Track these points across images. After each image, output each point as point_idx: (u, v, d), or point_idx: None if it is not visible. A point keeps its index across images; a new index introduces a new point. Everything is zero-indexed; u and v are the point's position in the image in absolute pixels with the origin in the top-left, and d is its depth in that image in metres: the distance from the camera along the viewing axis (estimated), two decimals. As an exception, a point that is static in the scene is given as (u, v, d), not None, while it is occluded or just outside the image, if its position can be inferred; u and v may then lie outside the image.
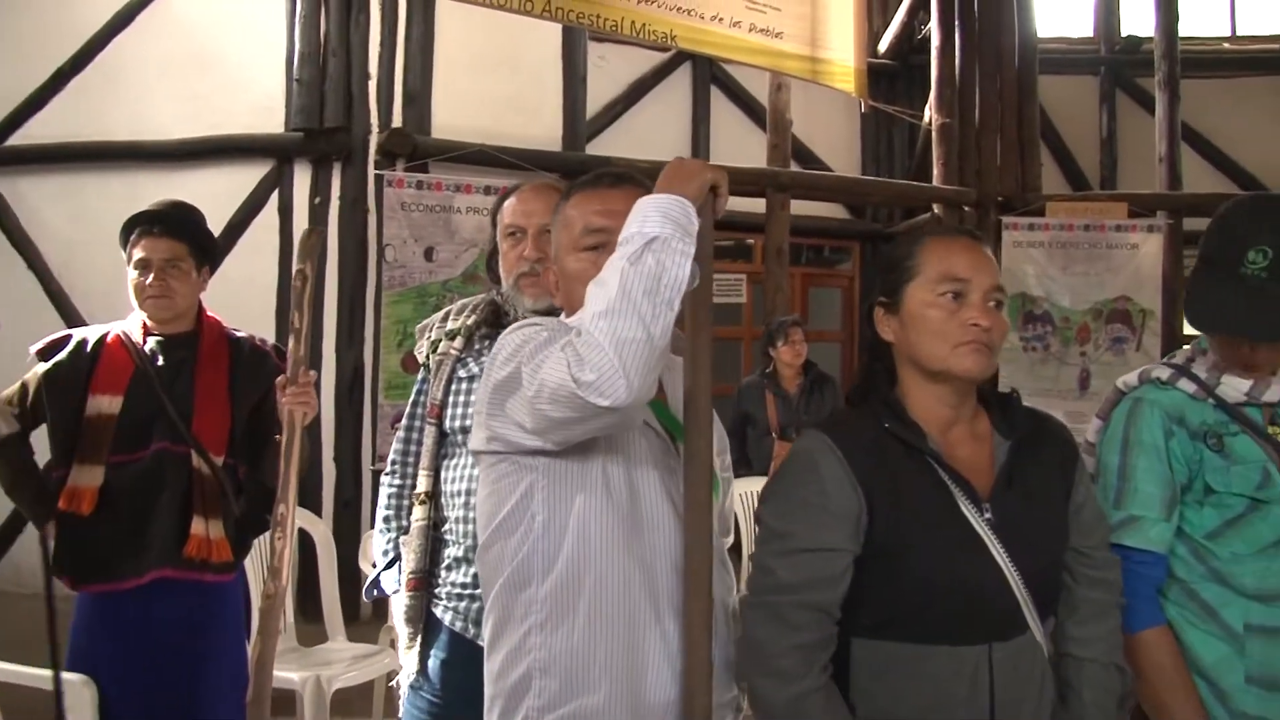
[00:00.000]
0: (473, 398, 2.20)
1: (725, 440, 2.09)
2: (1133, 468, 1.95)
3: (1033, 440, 1.80)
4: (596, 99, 7.72)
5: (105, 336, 2.95)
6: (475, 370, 2.29)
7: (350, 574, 4.92)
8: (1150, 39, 8.51)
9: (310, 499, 6.29)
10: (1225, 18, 9.70)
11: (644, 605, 1.66)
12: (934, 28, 7.89)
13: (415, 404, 2.43)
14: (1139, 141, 8.73)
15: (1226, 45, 9.55)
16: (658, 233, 1.53)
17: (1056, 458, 1.82)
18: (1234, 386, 1.94)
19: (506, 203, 2.41)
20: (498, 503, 1.71)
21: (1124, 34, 9.34)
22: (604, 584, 1.65)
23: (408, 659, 2.33)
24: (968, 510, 1.69)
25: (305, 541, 4.67)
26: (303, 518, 4.78)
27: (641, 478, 1.70)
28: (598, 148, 7.57)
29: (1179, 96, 8.16)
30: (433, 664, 2.29)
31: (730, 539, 2.05)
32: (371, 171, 6.54)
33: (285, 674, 3.84)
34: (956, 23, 7.76)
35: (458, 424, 2.29)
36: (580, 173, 6.95)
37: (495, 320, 2.36)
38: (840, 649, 1.71)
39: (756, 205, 7.25)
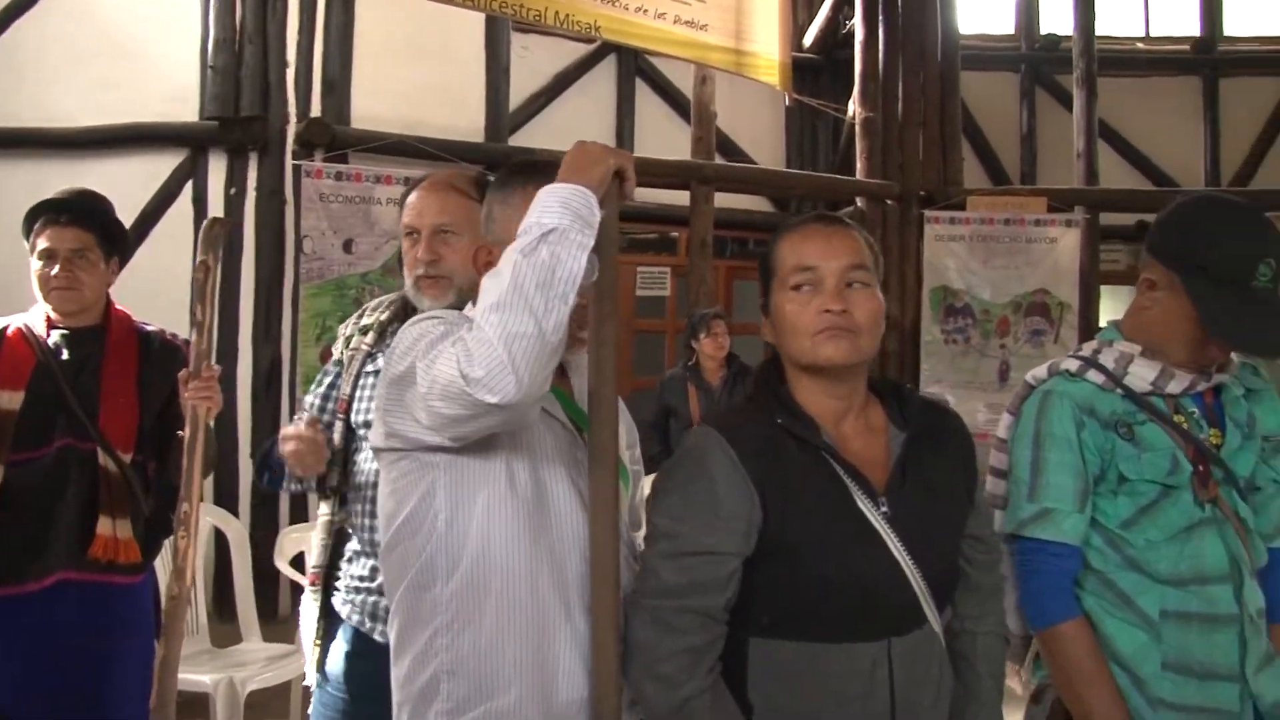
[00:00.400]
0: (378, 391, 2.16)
1: (635, 433, 2.06)
2: (1045, 461, 1.96)
3: (930, 431, 1.78)
4: (520, 90, 7.65)
5: (5, 329, 2.85)
6: (382, 365, 2.24)
7: (267, 572, 4.82)
8: (1069, 37, 8.64)
9: (226, 495, 6.18)
10: (1140, 18, 9.90)
11: (553, 602, 1.62)
12: (858, 23, 7.95)
13: (326, 398, 2.38)
14: (1057, 137, 8.87)
15: (1140, 45, 9.74)
16: (555, 224, 1.49)
17: (955, 449, 1.81)
18: (1141, 377, 1.96)
19: (406, 200, 2.36)
20: (399, 502, 1.65)
21: (1043, 32, 9.48)
22: (511, 582, 1.60)
23: (311, 655, 2.29)
24: (864, 505, 1.67)
25: (221, 540, 4.57)
26: (216, 515, 4.68)
27: (548, 472, 1.65)
28: (521, 139, 7.51)
29: (1096, 94, 8.30)
30: (334, 659, 2.24)
31: (642, 531, 2.01)
32: (289, 162, 6.43)
33: (196, 676, 3.75)
34: (880, 18, 7.81)
35: (361, 418, 2.25)
36: (503, 164, 6.85)
37: (406, 316, 2.31)
38: (737, 648, 1.68)
39: (681, 198, 7.24)
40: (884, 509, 1.67)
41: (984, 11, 9.55)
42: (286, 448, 2.20)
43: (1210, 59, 9.63)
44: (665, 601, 1.63)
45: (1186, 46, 9.69)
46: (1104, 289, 8.29)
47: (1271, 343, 1.88)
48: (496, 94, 7.44)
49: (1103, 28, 8.65)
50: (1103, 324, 6.99)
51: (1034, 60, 9.43)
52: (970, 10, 8.80)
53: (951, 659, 1.78)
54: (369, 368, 2.30)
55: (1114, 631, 1.94)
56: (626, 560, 1.72)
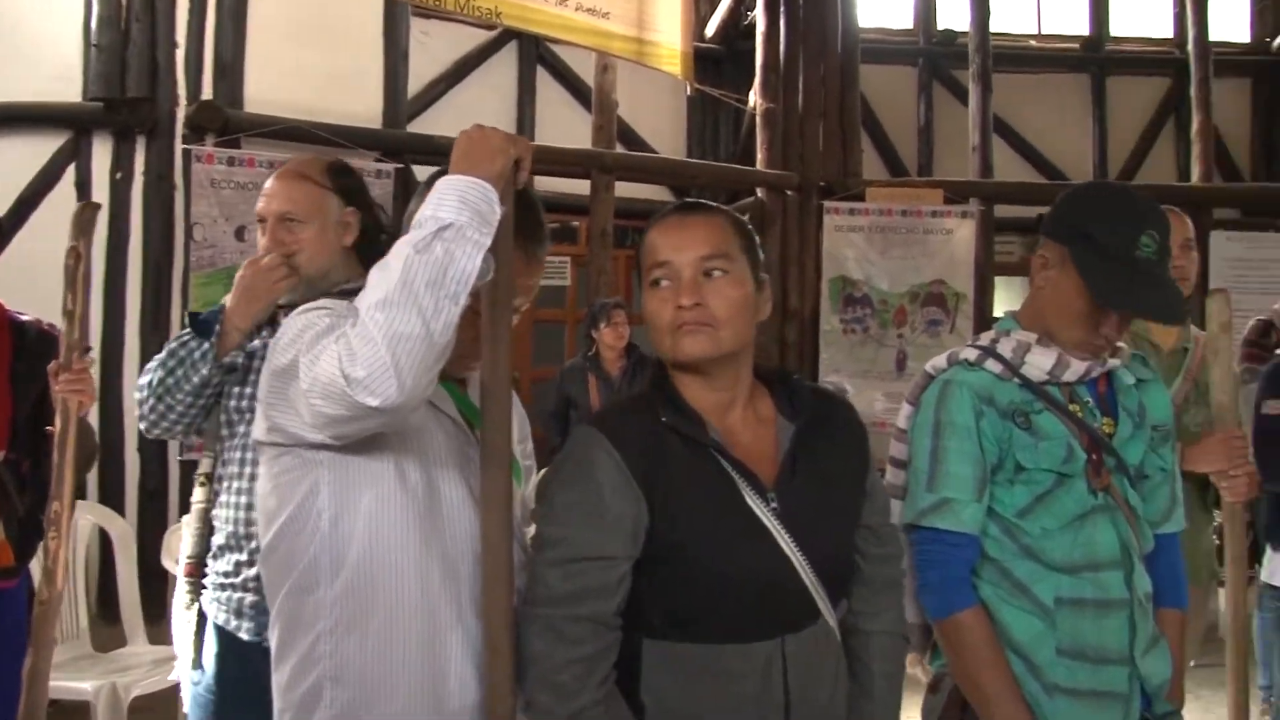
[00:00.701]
0: (252, 377, 2.10)
1: (527, 425, 2.00)
2: (944, 450, 1.97)
3: (820, 421, 1.76)
4: (419, 76, 7.53)
5: None
6: (256, 347, 2.19)
7: (154, 571, 4.67)
8: (965, 33, 8.78)
9: (113, 491, 5.98)
10: (1033, 16, 10.11)
11: (444, 604, 1.57)
12: (759, 14, 7.96)
13: None
14: (953, 131, 9.01)
15: (1033, 43, 9.96)
16: (452, 219, 1.42)
17: (847, 438, 1.79)
18: (1038, 366, 1.98)
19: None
20: (281, 500, 1.58)
21: (940, 27, 9.62)
22: (400, 585, 1.55)
23: (185, 652, 2.21)
24: (752, 501, 1.64)
25: (105, 539, 4.40)
26: (99, 514, 4.52)
27: (438, 470, 1.60)
28: (420, 126, 7.39)
29: (991, 89, 8.44)
30: (206, 656, 2.17)
31: (532, 529, 1.96)
32: (179, 146, 6.26)
33: (77, 684, 3.61)
34: (782, 9, 7.84)
35: (232, 404, 2.19)
36: (401, 151, 6.76)
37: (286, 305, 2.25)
38: (629, 650, 1.65)
39: (581, 187, 7.19)
40: (773, 504, 1.65)
41: (883, 6, 9.66)
42: None
43: (1098, 58, 9.88)
44: (557, 610, 1.59)
45: (1076, 45, 9.93)
46: (998, 280, 8.45)
47: (1150, 308, 1.93)
48: (395, 80, 7.32)
49: (997, 24, 8.81)
50: (998, 314, 7.16)
51: (931, 55, 9.57)
52: (869, 4, 8.89)
53: (847, 656, 1.77)
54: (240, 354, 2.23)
55: (1010, 619, 1.96)
56: (520, 560, 1.68)
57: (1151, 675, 1.98)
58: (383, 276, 1.41)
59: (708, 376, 1.69)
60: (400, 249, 1.42)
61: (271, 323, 2.26)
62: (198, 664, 2.20)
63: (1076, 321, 1.98)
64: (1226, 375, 2.59)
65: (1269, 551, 3.19)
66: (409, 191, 6.77)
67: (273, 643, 1.63)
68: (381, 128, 7.15)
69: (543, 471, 1.80)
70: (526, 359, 7.90)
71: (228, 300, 2.19)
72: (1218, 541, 3.21)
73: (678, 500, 1.62)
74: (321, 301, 1.67)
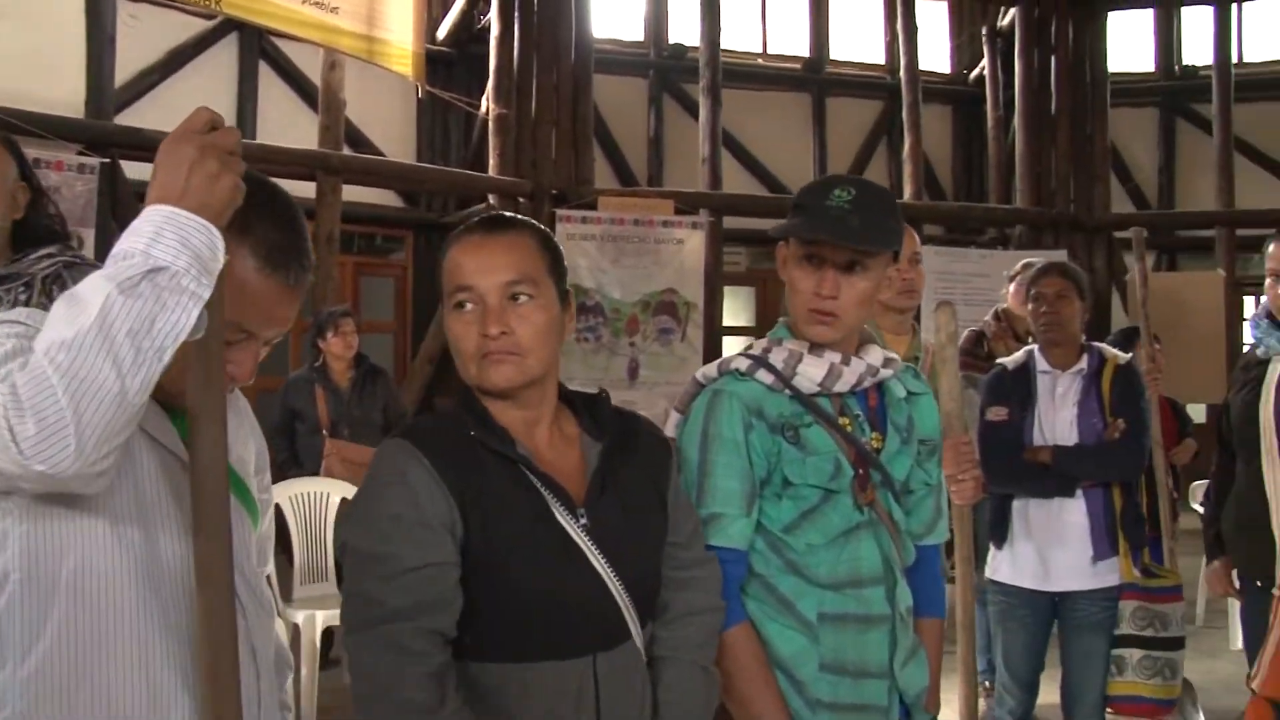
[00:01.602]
0: None
1: (265, 456, 1.78)
2: (713, 463, 1.91)
3: (624, 442, 1.73)
4: (128, 64, 7.05)
5: None
6: None
7: None
8: (695, 48, 8.98)
9: None
10: (759, 35, 10.48)
11: (168, 675, 1.33)
12: (494, 18, 7.88)
13: None
14: (683, 143, 9.22)
15: (760, 61, 10.32)
16: (169, 263, 1.16)
17: (649, 459, 1.76)
18: (809, 377, 1.94)
19: None
20: None
21: (672, 41, 9.82)
22: (113, 657, 1.29)
23: None
24: (562, 517, 1.59)
25: None
26: None
27: (158, 516, 1.34)
28: (130, 118, 6.91)
29: (720, 103, 8.68)
30: None
31: (269, 567, 1.78)
32: None
33: None
34: (516, 15, 7.78)
35: None
36: (107, 145, 6.23)
37: None
38: None
39: (306, 190, 6.88)
40: (583, 521, 1.61)
41: (615, 17, 9.77)
42: None
43: (819, 79, 10.36)
44: (397, 625, 1.49)
45: (799, 65, 10.37)
46: (727, 289, 8.69)
47: (819, 231, 1.90)
48: (100, 66, 6.76)
49: (726, 42, 9.07)
50: (727, 323, 7.29)
51: (662, 68, 9.76)
52: (602, 15, 8.97)
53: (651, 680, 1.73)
54: None
55: (774, 635, 1.93)
56: (258, 616, 1.49)
57: (910, 686, 2.00)
58: (71, 312, 1.13)
59: (514, 399, 1.64)
60: (98, 284, 1.15)
61: None
62: None
63: (805, 306, 1.97)
64: (953, 383, 2.69)
65: (991, 550, 3.37)
66: (115, 189, 6.33)
67: None
68: (84, 117, 6.60)
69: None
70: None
71: None
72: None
73: (489, 515, 1.56)
74: (12, 314, 1.33)
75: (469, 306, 1.61)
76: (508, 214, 1.76)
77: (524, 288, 1.61)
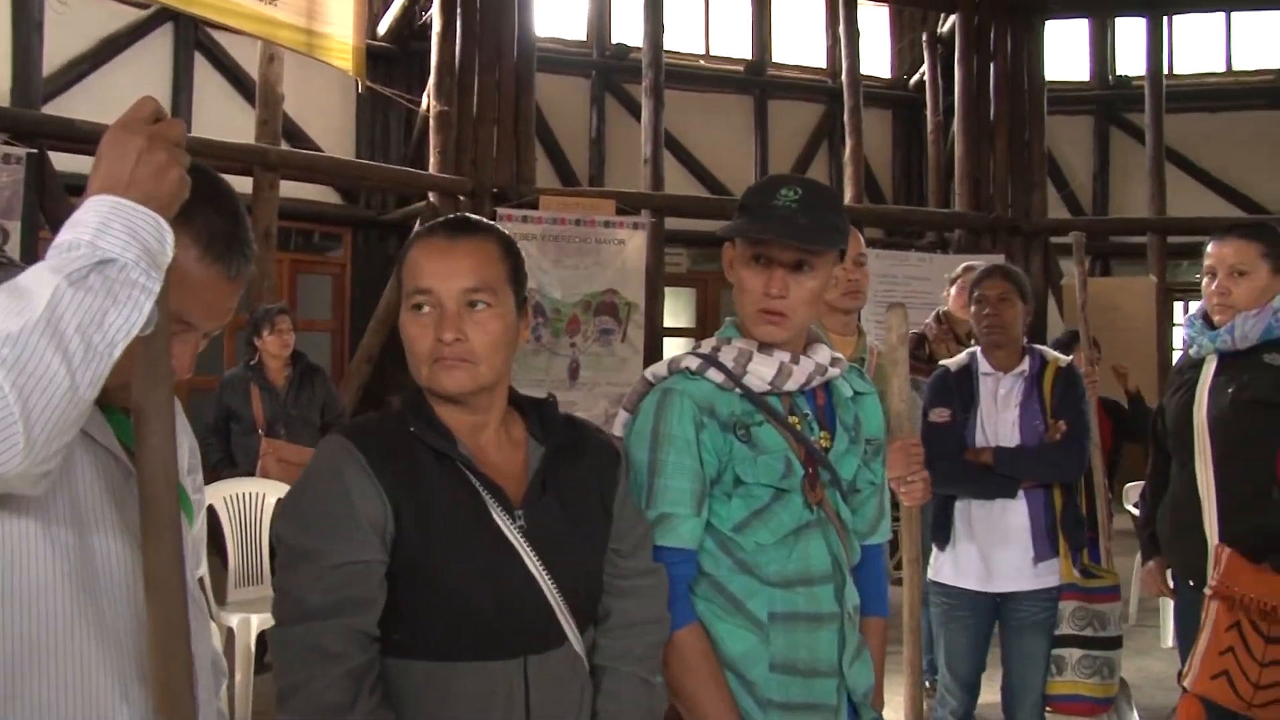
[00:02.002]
0: None
1: (197, 455, 1.73)
2: (663, 463, 1.89)
3: (570, 447, 1.73)
4: (57, 52, 6.89)
5: None
6: None
7: None
8: (638, 48, 8.97)
9: None
10: (701, 36, 10.50)
11: (106, 684, 1.26)
12: (435, 14, 7.81)
13: None
14: (626, 143, 9.20)
15: (703, 62, 10.34)
16: (118, 255, 1.11)
17: (595, 464, 1.75)
18: (759, 375, 1.93)
19: None
20: None
21: (615, 41, 9.80)
22: (46, 664, 1.22)
23: None
24: (499, 518, 1.58)
25: None
26: None
27: (93, 518, 1.28)
28: (59, 108, 6.75)
29: (663, 104, 8.67)
30: None
31: (203, 569, 1.74)
32: None
33: None
34: (458, 11, 7.72)
35: None
36: (35, 135, 6.09)
37: None
38: None
39: (243, 185, 6.77)
40: (520, 522, 1.60)
41: (558, 16, 9.73)
42: None
43: (761, 81, 10.40)
44: (318, 623, 1.47)
45: (741, 68, 10.40)
46: (668, 290, 8.68)
47: (765, 230, 1.89)
48: (27, 54, 6.58)
49: (669, 43, 9.07)
50: (668, 324, 7.29)
51: (604, 68, 9.74)
52: (545, 14, 8.93)
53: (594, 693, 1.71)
54: None
55: (724, 635, 1.92)
56: (195, 621, 1.42)
57: (857, 685, 2.00)
58: (15, 304, 1.07)
59: (463, 404, 1.64)
60: (43, 274, 1.09)
61: None
62: None
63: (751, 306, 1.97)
64: (903, 385, 2.70)
65: (934, 551, 3.39)
66: (44, 181, 6.17)
67: None
68: (10, 106, 6.43)
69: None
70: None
71: None
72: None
73: (423, 512, 1.55)
74: None
75: (426, 309, 1.61)
76: (473, 217, 1.74)
77: (483, 295, 1.61)
